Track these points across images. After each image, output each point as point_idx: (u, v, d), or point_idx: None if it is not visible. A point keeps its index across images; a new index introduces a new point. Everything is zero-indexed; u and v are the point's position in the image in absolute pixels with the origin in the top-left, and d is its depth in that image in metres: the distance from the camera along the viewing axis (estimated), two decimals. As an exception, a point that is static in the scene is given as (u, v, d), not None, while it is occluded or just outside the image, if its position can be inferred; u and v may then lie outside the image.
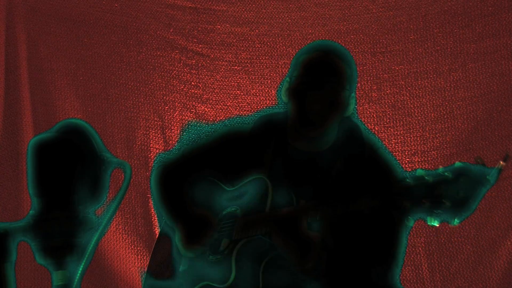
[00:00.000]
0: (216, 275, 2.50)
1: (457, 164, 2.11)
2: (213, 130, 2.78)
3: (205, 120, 4.12)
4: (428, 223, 2.12)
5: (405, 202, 2.15)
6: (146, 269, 2.83)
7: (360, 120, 2.70)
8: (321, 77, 2.51)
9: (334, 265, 2.39)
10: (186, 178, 2.72)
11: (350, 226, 2.34)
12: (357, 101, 2.64)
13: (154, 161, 3.97)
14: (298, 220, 2.35)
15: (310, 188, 2.51)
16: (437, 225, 2.11)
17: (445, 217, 2.10)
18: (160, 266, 2.78)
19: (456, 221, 2.09)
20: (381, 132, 4.01)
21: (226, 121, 2.82)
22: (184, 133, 2.93)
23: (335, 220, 2.33)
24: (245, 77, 4.18)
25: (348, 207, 2.28)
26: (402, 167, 2.66)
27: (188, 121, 4.16)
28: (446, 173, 2.11)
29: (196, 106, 4.20)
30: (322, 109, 2.50)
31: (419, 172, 2.16)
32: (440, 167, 2.14)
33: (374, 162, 2.54)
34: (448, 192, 2.09)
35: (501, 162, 2.06)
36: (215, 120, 2.70)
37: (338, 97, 2.52)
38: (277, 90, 2.71)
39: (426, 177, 2.14)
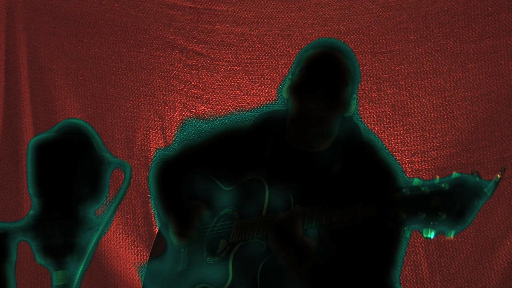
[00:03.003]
0: (214, 278, 2.50)
1: (454, 175, 2.07)
2: (211, 127, 2.77)
3: (203, 118, 4.12)
4: (424, 235, 2.08)
5: (401, 213, 2.12)
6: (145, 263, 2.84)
7: (361, 121, 2.68)
8: (324, 73, 2.50)
9: (331, 271, 2.37)
10: (184, 175, 2.71)
11: (347, 232, 2.32)
12: (357, 101, 2.63)
13: (153, 157, 3.97)
14: (294, 225, 2.33)
15: (307, 189, 2.49)
16: (433, 238, 2.08)
17: (441, 229, 2.08)
18: (154, 245, 2.80)
19: (452, 234, 2.07)
20: (381, 132, 4.01)
21: (224, 118, 2.80)
22: (182, 131, 2.92)
23: (332, 226, 2.31)
24: (245, 77, 4.18)
25: (343, 216, 2.26)
26: (402, 167, 2.65)
27: (185, 119, 4.15)
28: (442, 184, 2.07)
29: (196, 106, 4.20)
30: (323, 105, 2.48)
31: (416, 181, 2.12)
32: (437, 177, 2.10)
33: (373, 164, 2.52)
34: (444, 204, 2.05)
35: (498, 175, 2.04)
36: (214, 118, 2.70)
37: (340, 94, 2.50)
38: (279, 88, 2.69)
39: (422, 188, 2.10)
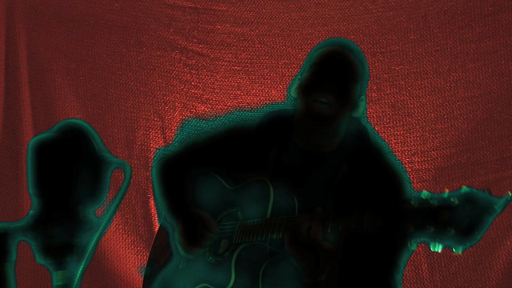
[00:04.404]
0: (216, 278, 2.49)
1: (464, 189, 2.05)
2: (211, 127, 2.77)
3: (203, 118, 4.11)
4: (431, 249, 2.07)
5: (409, 225, 2.10)
6: (146, 262, 2.83)
7: (369, 123, 2.68)
8: (333, 69, 2.50)
9: (339, 275, 2.36)
10: (188, 172, 2.70)
11: (354, 238, 2.31)
12: (366, 103, 2.63)
13: (154, 155, 3.97)
14: (315, 228, 2.28)
15: (313, 191, 2.49)
16: (440, 251, 2.06)
17: (449, 243, 2.06)
18: (158, 249, 2.78)
19: (460, 249, 2.05)
20: (381, 132, 4.00)
21: (224, 118, 2.80)
22: (182, 131, 2.91)
23: (346, 232, 2.29)
24: (245, 77, 4.18)
25: (362, 224, 2.22)
26: (406, 170, 2.64)
27: (185, 119, 4.15)
28: (452, 199, 2.05)
29: (196, 106, 4.20)
30: (332, 100, 2.47)
31: (424, 194, 2.09)
32: (446, 190, 2.08)
33: (380, 167, 2.51)
34: (453, 219, 2.03)
35: (509, 193, 2.02)
36: (214, 118, 2.70)
37: (349, 90, 2.50)
38: (288, 87, 2.69)
39: (431, 201, 2.08)
